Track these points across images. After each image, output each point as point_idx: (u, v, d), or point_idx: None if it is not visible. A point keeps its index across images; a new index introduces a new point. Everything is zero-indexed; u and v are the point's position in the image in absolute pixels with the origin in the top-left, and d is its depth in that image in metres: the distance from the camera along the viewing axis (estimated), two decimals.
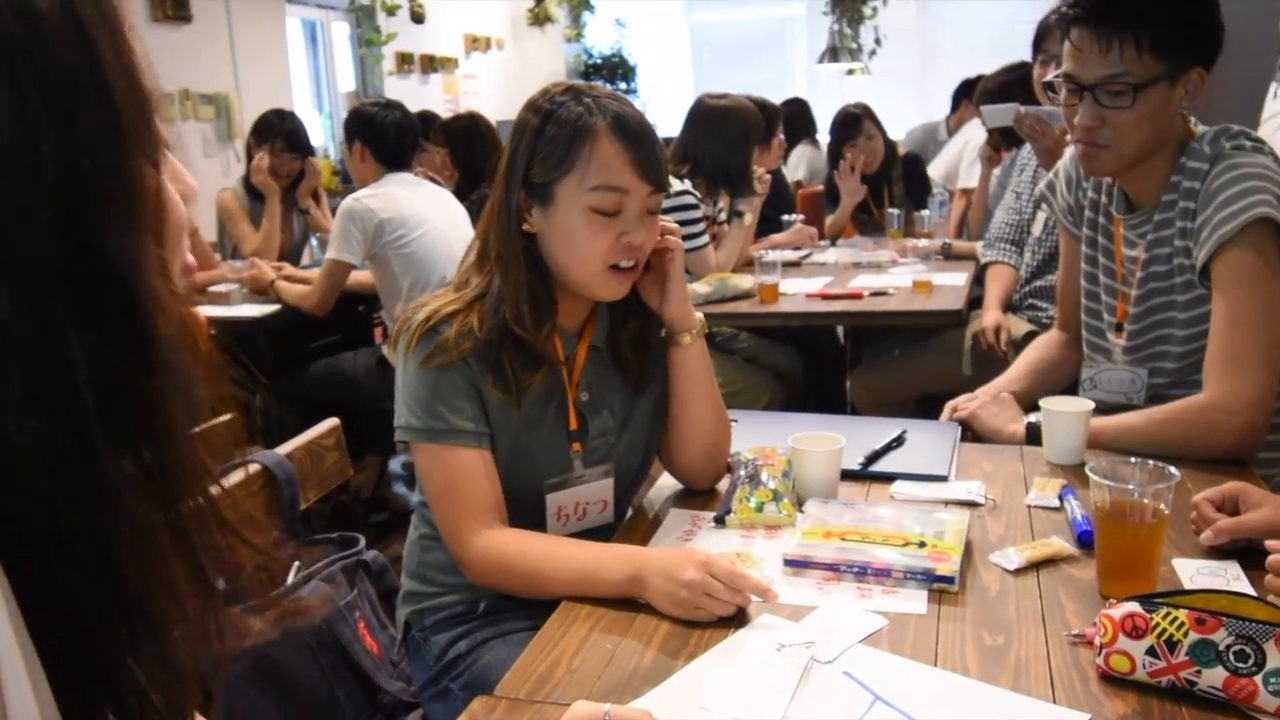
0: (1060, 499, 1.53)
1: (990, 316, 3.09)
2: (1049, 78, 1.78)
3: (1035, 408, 1.78)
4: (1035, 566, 1.34)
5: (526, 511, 1.49)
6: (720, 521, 1.51)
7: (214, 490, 0.58)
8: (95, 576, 0.52)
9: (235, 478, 1.56)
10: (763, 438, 1.68)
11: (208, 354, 0.57)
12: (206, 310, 3.19)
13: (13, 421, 0.47)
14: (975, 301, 3.30)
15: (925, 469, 1.67)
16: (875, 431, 1.82)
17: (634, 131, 1.43)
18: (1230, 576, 1.29)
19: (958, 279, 3.42)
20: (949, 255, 3.89)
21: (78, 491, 0.50)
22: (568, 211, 1.44)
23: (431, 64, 8.30)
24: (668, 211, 3.36)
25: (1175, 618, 1.04)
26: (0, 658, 0.47)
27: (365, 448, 3.75)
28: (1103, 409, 1.78)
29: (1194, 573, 1.30)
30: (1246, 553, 1.32)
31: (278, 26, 6.52)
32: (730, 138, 3.56)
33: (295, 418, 2.92)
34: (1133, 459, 1.32)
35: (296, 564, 1.68)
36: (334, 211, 3.64)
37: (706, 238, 3.46)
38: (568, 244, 1.45)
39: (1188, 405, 1.66)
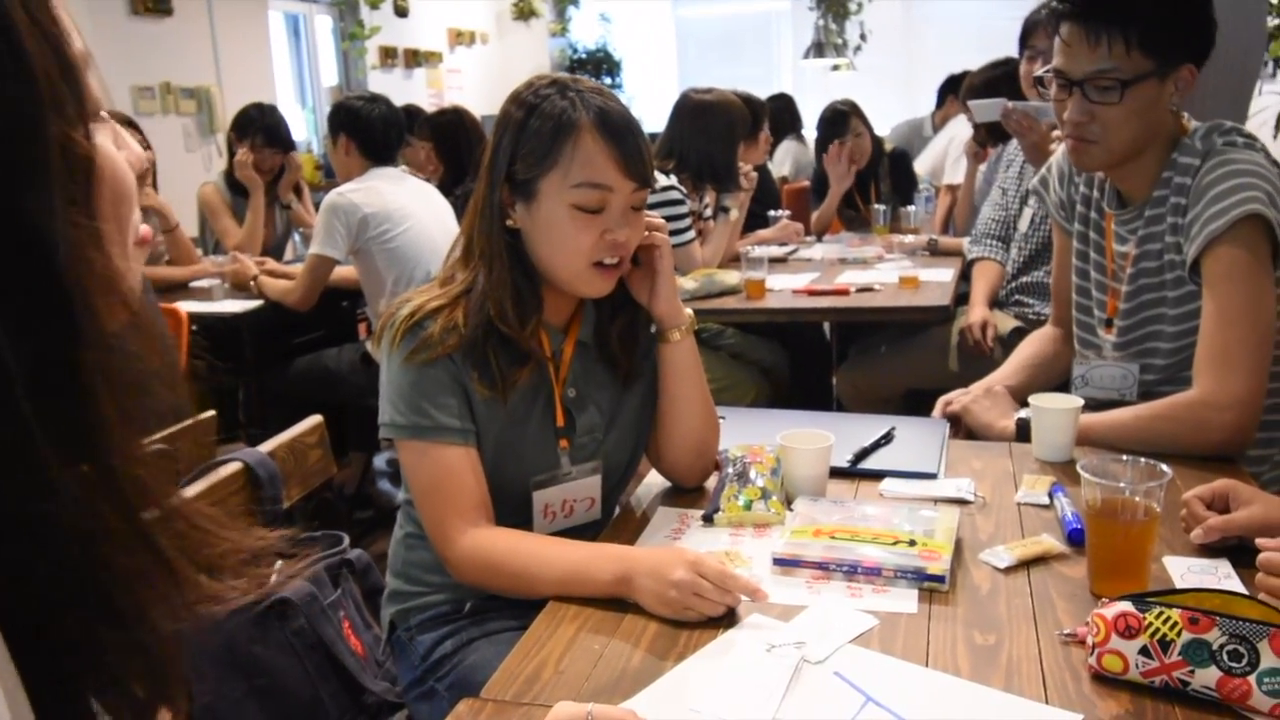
0: (1050, 496, 1.52)
1: (977, 312, 3.09)
2: (1039, 72, 1.77)
3: (1027, 404, 1.78)
4: (1025, 565, 1.33)
5: (513, 509, 1.48)
6: (708, 520, 1.50)
7: (175, 502, 0.55)
8: (57, 570, 0.50)
9: (216, 477, 1.55)
10: (750, 435, 1.67)
11: (167, 344, 0.55)
12: (188, 306, 3.19)
13: None
14: (961, 297, 3.30)
15: (914, 466, 1.66)
16: (863, 428, 1.81)
17: (618, 127, 1.42)
18: (1221, 575, 1.28)
19: (944, 275, 3.42)
20: (935, 251, 3.89)
21: (14, 482, 0.47)
22: (551, 209, 1.42)
23: (415, 58, 8.26)
24: (653, 207, 3.37)
25: (1168, 617, 1.03)
26: None
27: (349, 444, 3.72)
28: (1095, 406, 1.77)
29: (1185, 571, 1.30)
30: (1237, 550, 1.32)
31: (260, 20, 6.48)
32: (716, 133, 3.54)
33: (278, 414, 2.90)
34: (1124, 457, 1.31)
35: (280, 563, 1.66)
36: (317, 206, 3.61)
37: (693, 233, 3.45)
38: (551, 241, 1.43)
39: (1177, 402, 1.66)
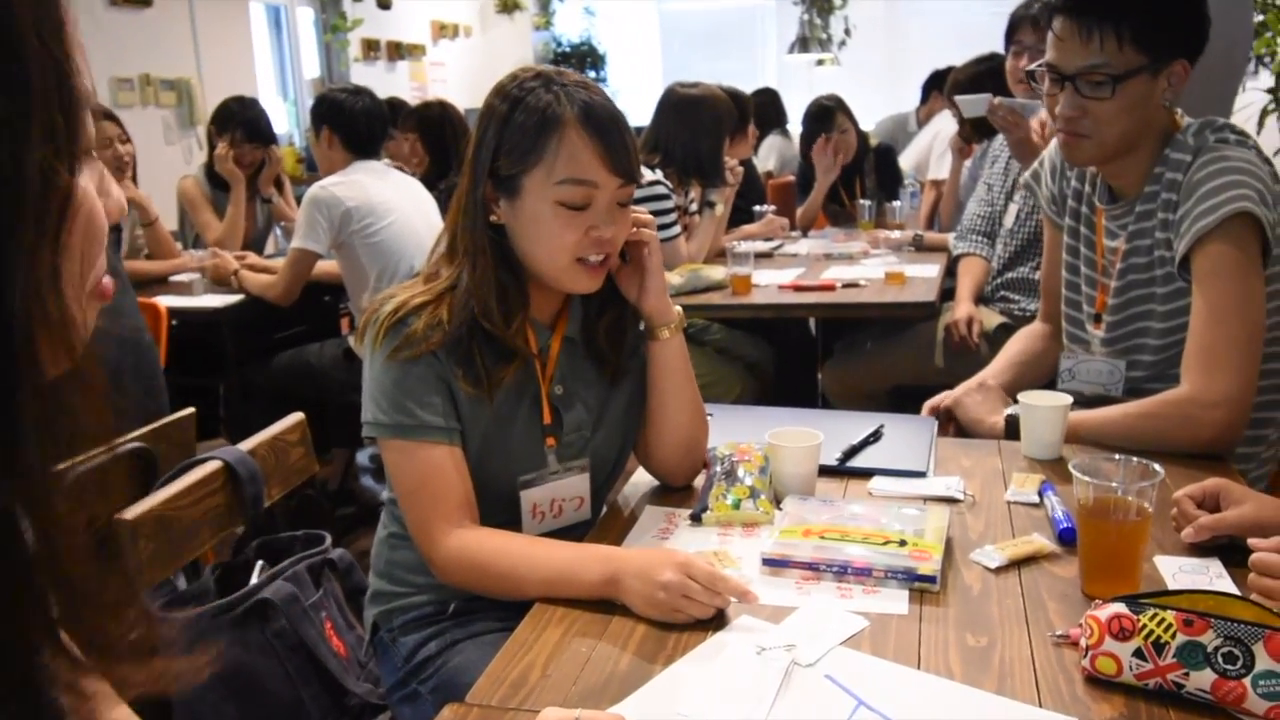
0: (1040, 495, 1.51)
1: (962, 309, 3.09)
2: (1031, 67, 1.76)
3: (1016, 401, 1.77)
4: (1016, 565, 1.32)
5: (501, 510, 1.45)
6: (696, 519, 1.48)
7: (79, 570, 0.52)
8: None
9: (195, 476, 1.52)
10: (737, 432, 1.66)
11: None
12: (168, 301, 3.16)
13: None
14: (947, 293, 3.30)
15: (903, 464, 1.65)
16: (851, 426, 1.80)
17: (603, 122, 1.39)
18: (1213, 574, 1.27)
19: (930, 271, 3.41)
20: (920, 247, 3.89)
21: None
22: (535, 205, 1.40)
23: (398, 51, 8.20)
24: (638, 202, 3.34)
25: (1163, 619, 1.02)
26: None
27: (332, 440, 3.69)
28: (1081, 400, 1.77)
29: (1176, 570, 1.29)
30: (1228, 550, 1.31)
31: (240, 11, 6.41)
32: (702, 127, 3.52)
33: (259, 410, 2.87)
34: (1116, 456, 1.30)
35: (261, 563, 1.64)
36: (299, 200, 3.58)
37: (678, 228, 3.43)
38: (535, 237, 1.41)
39: (1166, 399, 1.65)
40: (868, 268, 3.53)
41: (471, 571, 1.37)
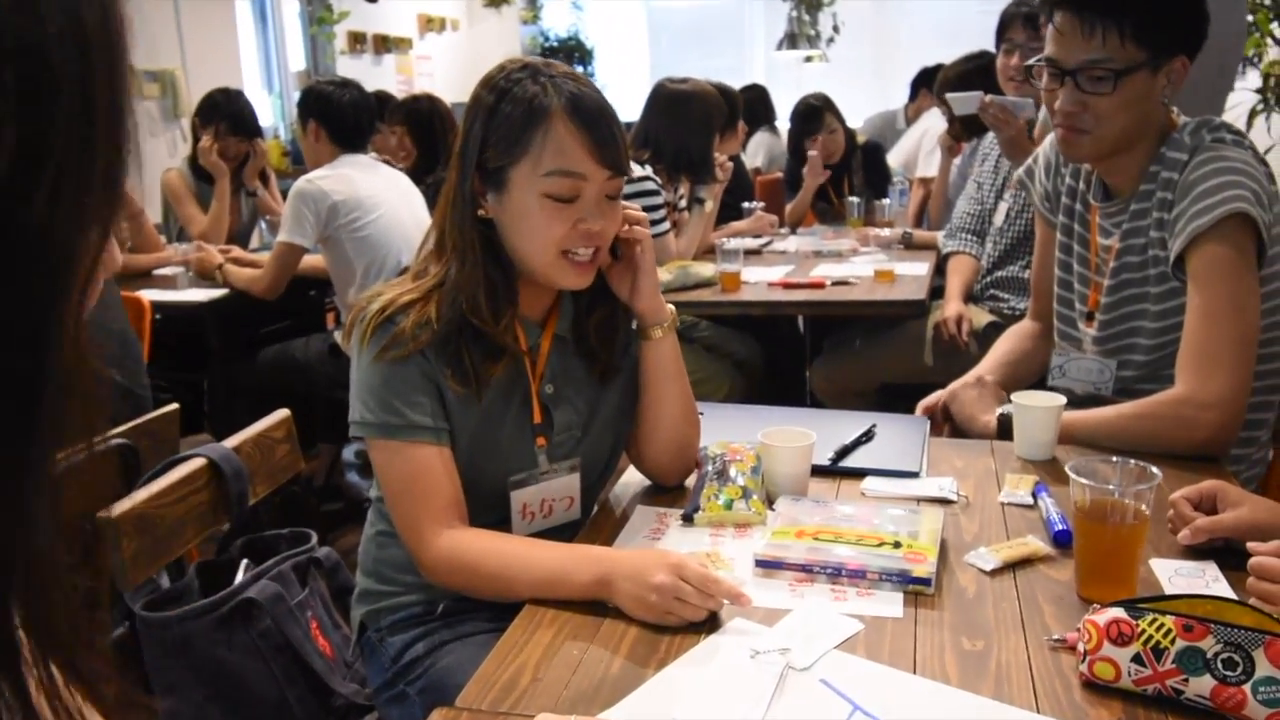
0: (1034, 496, 1.50)
1: (952, 307, 3.08)
2: (1030, 62, 1.75)
3: (1009, 400, 1.76)
4: (1011, 567, 1.31)
5: (491, 510, 1.44)
6: (688, 519, 1.47)
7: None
8: None
9: (179, 473, 1.50)
10: (728, 431, 1.64)
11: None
12: (152, 295, 3.12)
13: None
14: (936, 291, 3.29)
15: (896, 465, 1.63)
16: (843, 425, 1.78)
17: (591, 114, 1.37)
18: (1209, 577, 1.26)
19: (919, 269, 3.41)
20: (909, 244, 3.88)
21: None
22: (522, 198, 1.37)
23: (385, 44, 8.15)
24: (628, 197, 3.32)
25: (1162, 624, 1.01)
26: None
27: (317, 436, 3.66)
28: (1071, 399, 1.76)
29: (1172, 573, 1.28)
30: (1224, 552, 1.30)
31: (225, 2, 6.36)
32: (692, 123, 3.50)
33: (244, 406, 2.84)
34: (1114, 458, 1.29)
35: (245, 562, 1.62)
36: (285, 194, 3.54)
37: (668, 225, 3.41)
38: (522, 231, 1.39)
39: (1160, 400, 1.64)
40: (857, 265, 3.52)
41: (461, 572, 1.35)
